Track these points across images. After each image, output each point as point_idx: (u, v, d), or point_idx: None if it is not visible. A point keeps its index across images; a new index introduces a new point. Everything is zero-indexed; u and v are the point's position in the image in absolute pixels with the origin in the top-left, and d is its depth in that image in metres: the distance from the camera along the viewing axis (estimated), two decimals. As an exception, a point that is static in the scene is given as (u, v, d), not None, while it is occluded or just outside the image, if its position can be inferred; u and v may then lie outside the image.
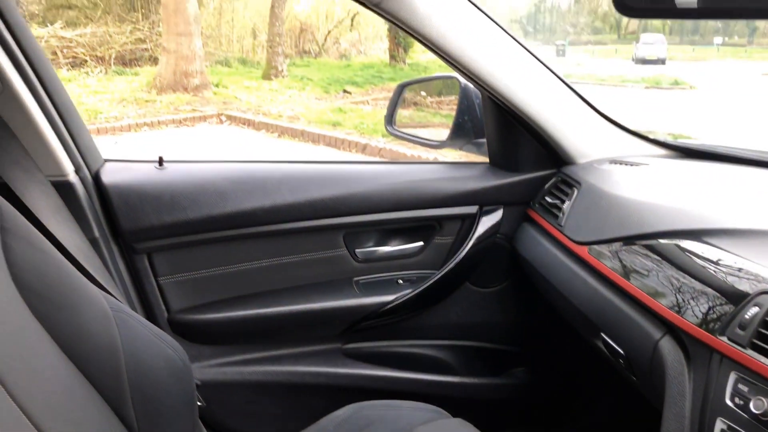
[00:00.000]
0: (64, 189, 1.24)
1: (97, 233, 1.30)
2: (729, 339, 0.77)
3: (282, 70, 11.57)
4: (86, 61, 11.12)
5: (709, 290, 0.85)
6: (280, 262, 1.44)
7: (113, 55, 11.61)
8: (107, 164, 1.37)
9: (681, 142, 1.44)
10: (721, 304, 0.82)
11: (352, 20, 15.71)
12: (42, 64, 1.21)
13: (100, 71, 11.08)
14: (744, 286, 0.80)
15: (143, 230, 1.33)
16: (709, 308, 0.84)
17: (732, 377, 0.76)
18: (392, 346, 1.54)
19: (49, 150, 1.23)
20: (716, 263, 0.88)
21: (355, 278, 1.49)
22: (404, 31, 1.20)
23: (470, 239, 1.45)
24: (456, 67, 1.26)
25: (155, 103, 9.13)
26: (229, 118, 8.72)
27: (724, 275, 0.85)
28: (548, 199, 1.37)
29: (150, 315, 1.39)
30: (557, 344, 1.58)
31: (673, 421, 0.83)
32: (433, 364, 1.55)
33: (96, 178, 1.32)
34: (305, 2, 15.89)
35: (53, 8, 12.48)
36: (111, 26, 12.08)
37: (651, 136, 1.42)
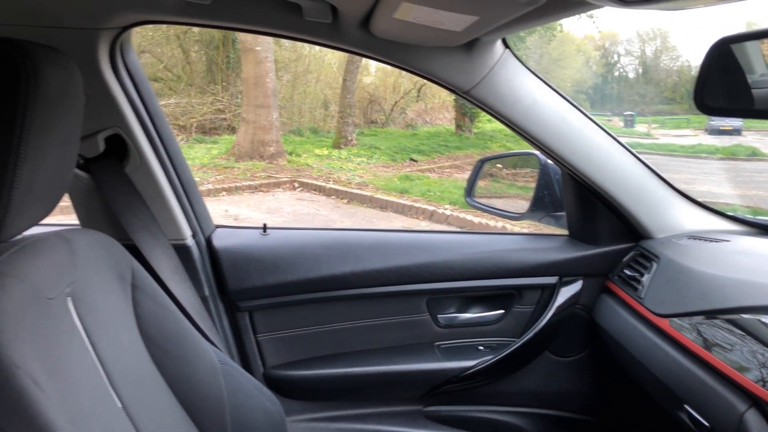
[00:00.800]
0: (182, 251, 1.39)
1: (207, 292, 1.43)
2: None
3: (351, 140, 11.99)
4: (169, 129, 11.90)
5: None
6: (367, 324, 1.53)
7: (194, 125, 12.35)
8: (218, 230, 1.52)
9: (760, 219, 1.46)
10: None
11: (419, 91, 16.21)
12: (171, 143, 1.39)
13: (182, 139, 11.79)
14: None
15: (247, 290, 1.46)
16: None
17: None
18: (471, 411, 1.58)
19: (173, 217, 1.39)
20: None
21: (437, 342, 1.56)
22: (491, 114, 1.31)
23: (550, 309, 1.50)
24: (538, 146, 1.36)
25: (233, 169, 9.62)
26: (302, 184, 9.07)
27: None
28: (627, 272, 1.41)
29: (247, 369, 1.49)
30: (636, 415, 1.58)
31: None
32: (511, 431, 1.57)
33: (208, 242, 1.47)
34: (374, 75, 16.58)
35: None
36: (193, 97, 12.88)
37: (728, 212, 1.46)
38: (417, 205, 7.42)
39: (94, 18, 1.16)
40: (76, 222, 1.40)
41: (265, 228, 1.52)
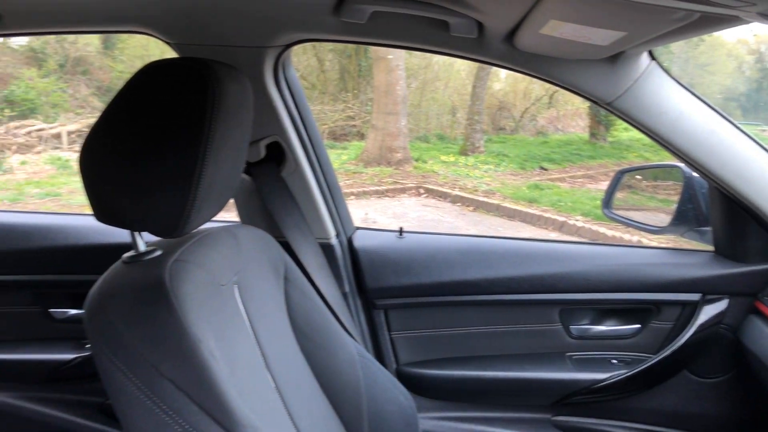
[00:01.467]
0: (327, 250, 1.51)
1: (347, 288, 1.54)
2: None
3: (479, 147, 11.94)
4: (301, 136, 12.51)
5: None
6: (498, 330, 1.56)
7: (326, 131, 12.90)
8: (358, 231, 1.63)
9: None
10: None
11: (551, 98, 15.77)
12: (321, 151, 1.52)
13: (315, 145, 12.36)
14: None
15: (383, 289, 1.55)
16: None
17: None
18: (602, 425, 1.55)
19: (320, 218, 1.51)
20: None
21: (568, 353, 1.56)
22: (634, 126, 1.30)
23: (691, 327, 1.45)
24: (684, 159, 1.32)
25: (361, 174, 9.95)
26: (427, 190, 9.18)
27: None
28: None
29: (381, 364, 1.58)
30: None
31: None
32: None
33: (350, 242, 1.58)
34: (504, 81, 16.36)
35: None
36: (326, 105, 13.47)
37: None
38: (546, 215, 7.26)
39: (262, 38, 1.30)
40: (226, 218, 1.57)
41: (401, 231, 1.61)
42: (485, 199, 8.27)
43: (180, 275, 0.86)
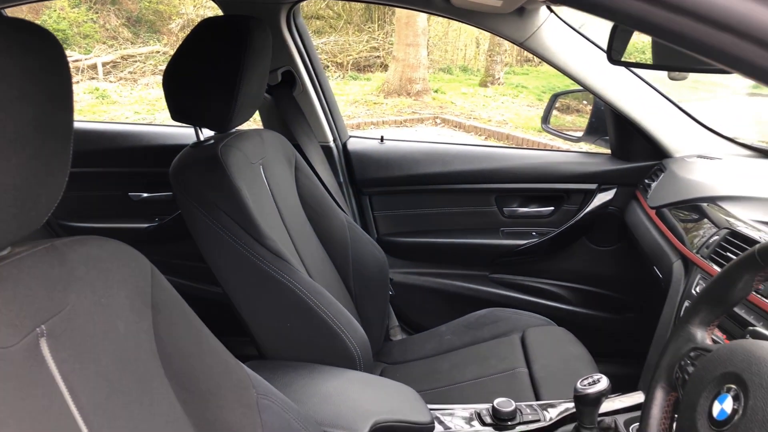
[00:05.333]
0: (326, 150, 2.07)
1: (342, 179, 2.11)
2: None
3: (498, 78, 12.14)
4: (327, 66, 12.79)
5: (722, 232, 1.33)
6: (450, 210, 2.13)
7: (350, 62, 13.15)
8: (351, 138, 2.18)
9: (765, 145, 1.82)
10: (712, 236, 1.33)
11: (579, 29, 15.61)
12: (322, 77, 2.06)
13: (339, 76, 12.69)
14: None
15: (368, 180, 2.11)
16: (706, 240, 1.34)
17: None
18: (526, 280, 2.14)
19: (321, 127, 2.06)
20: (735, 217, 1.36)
21: (501, 228, 2.13)
22: (543, 61, 1.81)
23: (587, 206, 2.00)
24: (581, 85, 1.83)
25: (382, 105, 10.37)
26: (444, 120, 9.62)
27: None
28: (647, 181, 1.86)
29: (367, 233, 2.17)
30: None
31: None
32: (556, 296, 2.12)
33: (344, 146, 2.14)
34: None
35: (305, 18, 14.40)
36: (351, 35, 13.61)
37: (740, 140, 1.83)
38: (553, 143, 7.69)
39: None
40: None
41: (382, 139, 2.16)
42: (497, 129, 8.70)
43: (227, 152, 1.42)
